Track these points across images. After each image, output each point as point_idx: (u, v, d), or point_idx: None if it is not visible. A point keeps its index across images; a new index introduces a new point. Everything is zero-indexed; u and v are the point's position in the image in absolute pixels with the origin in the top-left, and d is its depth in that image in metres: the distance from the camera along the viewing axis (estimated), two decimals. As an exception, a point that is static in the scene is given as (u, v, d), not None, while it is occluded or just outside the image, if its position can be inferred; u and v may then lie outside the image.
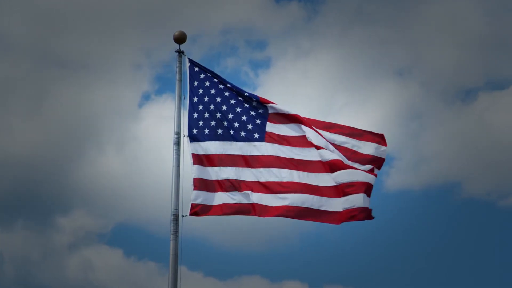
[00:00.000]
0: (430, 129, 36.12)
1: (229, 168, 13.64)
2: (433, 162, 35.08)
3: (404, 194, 33.25)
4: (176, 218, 13.29)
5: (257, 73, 36.84)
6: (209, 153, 13.71)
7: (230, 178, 13.56)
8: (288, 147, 13.82)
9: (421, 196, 33.18)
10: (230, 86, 14.16)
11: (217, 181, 13.55)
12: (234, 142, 13.84)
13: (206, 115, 13.95)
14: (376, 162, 13.97)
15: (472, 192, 33.73)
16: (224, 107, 13.99)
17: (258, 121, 13.95)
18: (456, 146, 35.56)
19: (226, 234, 29.69)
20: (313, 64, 37.16)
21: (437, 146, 35.49)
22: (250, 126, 13.95)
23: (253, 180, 13.57)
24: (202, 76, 14.16)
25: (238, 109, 14.02)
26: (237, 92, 14.14)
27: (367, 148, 13.99)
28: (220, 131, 13.85)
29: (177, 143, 13.74)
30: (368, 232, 28.99)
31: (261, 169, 13.64)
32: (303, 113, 14.09)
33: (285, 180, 13.59)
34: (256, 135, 13.90)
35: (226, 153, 13.74)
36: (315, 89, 36.64)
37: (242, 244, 30.83)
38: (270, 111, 14.08)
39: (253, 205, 13.39)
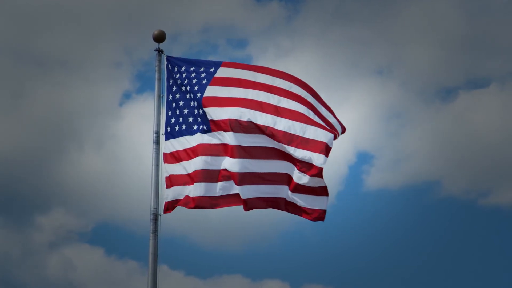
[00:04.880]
0: (410, 128, 36.23)
1: (199, 158, 13.44)
2: (413, 161, 35.19)
3: (383, 193, 33.34)
4: (155, 217, 13.28)
5: (237, 72, 36.73)
6: (180, 148, 13.61)
7: (203, 168, 13.37)
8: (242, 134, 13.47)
9: (400, 195, 33.27)
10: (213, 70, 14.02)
11: (188, 174, 13.44)
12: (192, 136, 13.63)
13: (185, 111, 13.81)
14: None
15: (452, 191, 33.86)
16: (198, 95, 13.80)
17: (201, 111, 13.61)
18: (436, 145, 35.70)
19: (207, 233, 29.70)
20: (293, 63, 37.19)
21: (417, 145, 35.61)
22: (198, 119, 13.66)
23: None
24: (183, 67, 13.99)
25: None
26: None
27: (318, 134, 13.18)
28: (195, 127, 13.66)
29: (157, 142, 13.71)
30: (348, 231, 29.10)
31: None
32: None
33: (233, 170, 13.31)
34: (204, 127, 13.64)
35: (200, 144, 13.57)
36: (295, 88, 36.54)
37: (223, 243, 30.85)
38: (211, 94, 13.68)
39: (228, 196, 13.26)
